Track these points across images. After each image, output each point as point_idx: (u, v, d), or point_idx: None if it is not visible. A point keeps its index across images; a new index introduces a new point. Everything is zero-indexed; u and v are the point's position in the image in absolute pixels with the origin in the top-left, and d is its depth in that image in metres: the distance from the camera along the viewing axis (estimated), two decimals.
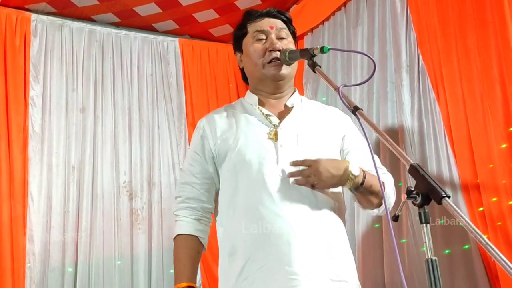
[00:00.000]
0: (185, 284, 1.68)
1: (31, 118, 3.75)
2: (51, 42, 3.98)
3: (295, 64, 1.83)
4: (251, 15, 1.89)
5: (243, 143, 1.74)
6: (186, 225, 1.80)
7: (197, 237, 1.79)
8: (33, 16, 3.92)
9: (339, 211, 1.73)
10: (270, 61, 1.77)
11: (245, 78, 1.97)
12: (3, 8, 3.80)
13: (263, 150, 1.70)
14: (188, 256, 1.76)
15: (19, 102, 3.73)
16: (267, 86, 1.83)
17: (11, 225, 3.49)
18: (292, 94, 1.87)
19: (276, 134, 1.73)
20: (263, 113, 1.80)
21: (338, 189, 1.74)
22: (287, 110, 1.81)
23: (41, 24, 3.95)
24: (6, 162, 3.56)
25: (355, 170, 1.57)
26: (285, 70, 1.78)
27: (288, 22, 1.89)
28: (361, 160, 1.70)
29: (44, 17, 3.97)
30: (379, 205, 1.66)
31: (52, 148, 3.81)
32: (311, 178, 1.58)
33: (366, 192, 1.62)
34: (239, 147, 1.74)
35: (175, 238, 1.82)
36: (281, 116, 1.79)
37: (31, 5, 3.88)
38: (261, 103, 1.84)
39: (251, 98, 1.87)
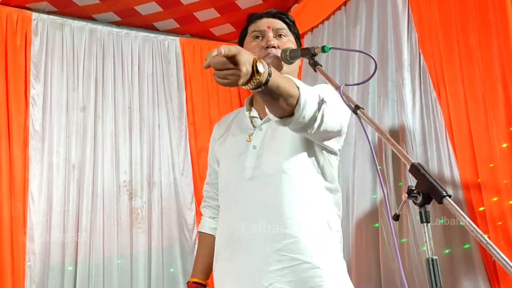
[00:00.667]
0: (191, 280, 1.87)
1: (32, 117, 3.75)
2: (52, 41, 3.97)
3: (295, 65, 1.82)
4: (252, 17, 1.91)
5: (226, 147, 1.83)
6: (203, 223, 1.97)
7: (211, 235, 1.91)
8: (34, 15, 3.91)
9: (319, 207, 1.66)
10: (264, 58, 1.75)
11: None
12: (4, 7, 3.79)
13: (238, 153, 1.76)
14: (200, 253, 1.94)
15: (20, 101, 3.72)
16: None
17: (11, 224, 3.48)
18: None
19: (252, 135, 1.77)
20: (250, 115, 1.83)
21: (314, 179, 1.69)
22: None
23: (42, 23, 3.95)
24: (7, 161, 3.56)
25: (260, 67, 1.27)
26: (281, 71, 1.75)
27: (290, 24, 1.89)
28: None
29: (45, 16, 3.97)
30: (291, 114, 1.42)
31: (52, 147, 3.80)
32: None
33: (271, 95, 1.35)
34: (224, 151, 1.84)
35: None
36: (265, 116, 1.77)
37: (32, 4, 3.87)
38: (252, 104, 1.87)
39: (247, 99, 1.90)
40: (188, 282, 1.88)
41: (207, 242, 1.91)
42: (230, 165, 1.77)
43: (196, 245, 3.41)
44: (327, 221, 1.67)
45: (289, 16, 1.92)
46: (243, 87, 1.28)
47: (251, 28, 1.87)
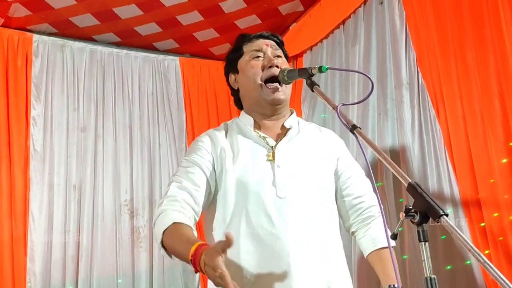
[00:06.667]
0: (197, 244, 1.47)
1: (33, 138, 3.76)
2: (53, 62, 4.01)
3: (290, 86, 1.84)
4: (245, 37, 1.92)
5: (241, 166, 1.73)
6: (179, 216, 1.64)
7: (190, 227, 1.63)
8: (35, 37, 3.95)
9: (335, 228, 1.79)
10: (267, 82, 1.78)
11: (237, 102, 1.97)
12: (5, 29, 3.83)
13: (261, 171, 1.72)
14: (189, 230, 1.59)
15: (21, 121, 3.74)
16: (264, 109, 1.84)
17: (12, 245, 3.48)
18: (289, 116, 1.88)
19: (273, 155, 1.75)
20: (259, 135, 1.81)
21: (333, 206, 1.80)
22: (284, 131, 1.83)
23: (43, 45, 3.98)
24: (7, 182, 3.57)
25: None
26: (283, 95, 1.80)
27: (281, 45, 1.93)
28: (356, 183, 1.83)
29: (45, 37, 4.01)
30: None
31: (53, 167, 3.81)
32: None
33: None
34: (236, 170, 1.73)
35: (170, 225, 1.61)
36: (278, 137, 1.81)
37: (32, 26, 3.91)
38: (256, 125, 1.84)
39: (246, 120, 1.86)
40: (195, 249, 1.47)
41: (189, 228, 1.59)
42: (252, 183, 1.69)
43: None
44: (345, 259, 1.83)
45: (280, 38, 1.95)
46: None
47: (248, 47, 1.88)
